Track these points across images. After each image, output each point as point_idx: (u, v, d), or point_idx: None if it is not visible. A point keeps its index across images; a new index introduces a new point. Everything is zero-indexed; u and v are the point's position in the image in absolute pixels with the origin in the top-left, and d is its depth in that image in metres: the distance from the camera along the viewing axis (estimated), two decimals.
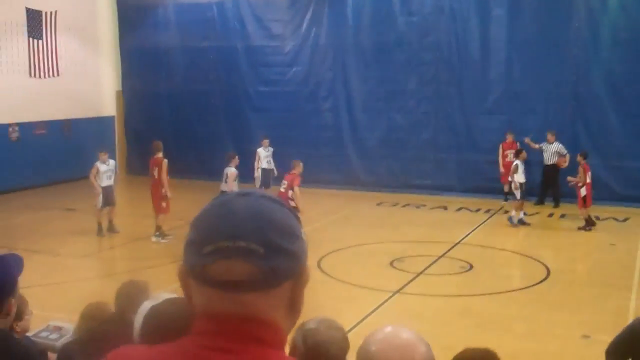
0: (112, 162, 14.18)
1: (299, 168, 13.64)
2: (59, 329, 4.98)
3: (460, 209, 16.23)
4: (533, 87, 17.04)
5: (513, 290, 10.56)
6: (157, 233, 13.39)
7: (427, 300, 10.11)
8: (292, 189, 13.21)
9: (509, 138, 16.80)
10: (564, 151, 16.20)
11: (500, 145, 16.90)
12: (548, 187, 16.53)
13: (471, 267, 11.68)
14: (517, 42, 17.14)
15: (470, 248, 13.01)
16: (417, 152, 17.88)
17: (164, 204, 13.33)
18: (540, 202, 16.61)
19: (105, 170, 13.68)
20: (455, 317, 9.35)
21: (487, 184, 17.19)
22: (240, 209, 1.19)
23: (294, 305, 1.24)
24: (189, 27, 20.67)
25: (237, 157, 14.18)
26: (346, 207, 16.65)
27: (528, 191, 16.42)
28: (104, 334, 3.75)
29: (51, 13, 19.78)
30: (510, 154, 16.55)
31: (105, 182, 13.61)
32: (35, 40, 19.52)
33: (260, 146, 16.74)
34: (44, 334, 4.88)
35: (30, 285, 7.27)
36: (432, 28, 17.91)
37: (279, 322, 1.22)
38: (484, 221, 15.23)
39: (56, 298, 9.48)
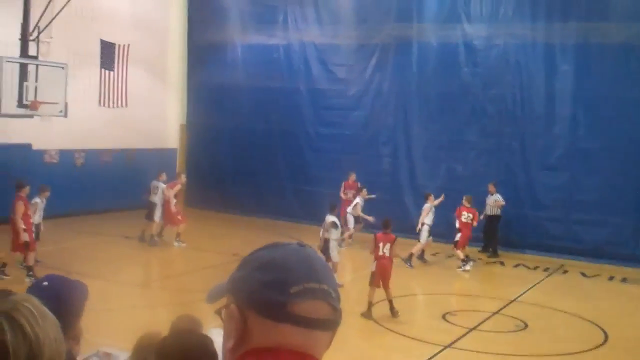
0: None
1: None
2: (108, 355, 4.97)
3: (518, 265, 15.83)
4: (598, 145, 16.58)
5: (568, 354, 10.15)
6: (178, 239, 15.89)
7: (479, 357, 9.81)
8: None
9: (351, 177, 17.85)
10: (502, 201, 16.51)
11: (342, 184, 17.91)
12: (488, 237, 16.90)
13: (526, 326, 11.32)
14: (583, 98, 16.78)
15: (526, 306, 12.62)
16: (475, 204, 17.56)
17: (179, 217, 16.20)
18: (486, 250, 16.87)
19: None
20: None
21: (547, 242, 16.65)
22: (313, 257, 1.33)
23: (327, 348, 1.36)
24: (255, 67, 21.09)
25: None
26: (400, 254, 16.39)
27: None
28: None
29: (124, 46, 20.49)
30: (350, 193, 17.59)
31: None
32: (107, 72, 20.23)
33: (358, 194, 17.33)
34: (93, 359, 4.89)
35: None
36: (496, 80, 17.76)
37: None
38: (542, 280, 14.80)
39: (107, 324, 9.56)
